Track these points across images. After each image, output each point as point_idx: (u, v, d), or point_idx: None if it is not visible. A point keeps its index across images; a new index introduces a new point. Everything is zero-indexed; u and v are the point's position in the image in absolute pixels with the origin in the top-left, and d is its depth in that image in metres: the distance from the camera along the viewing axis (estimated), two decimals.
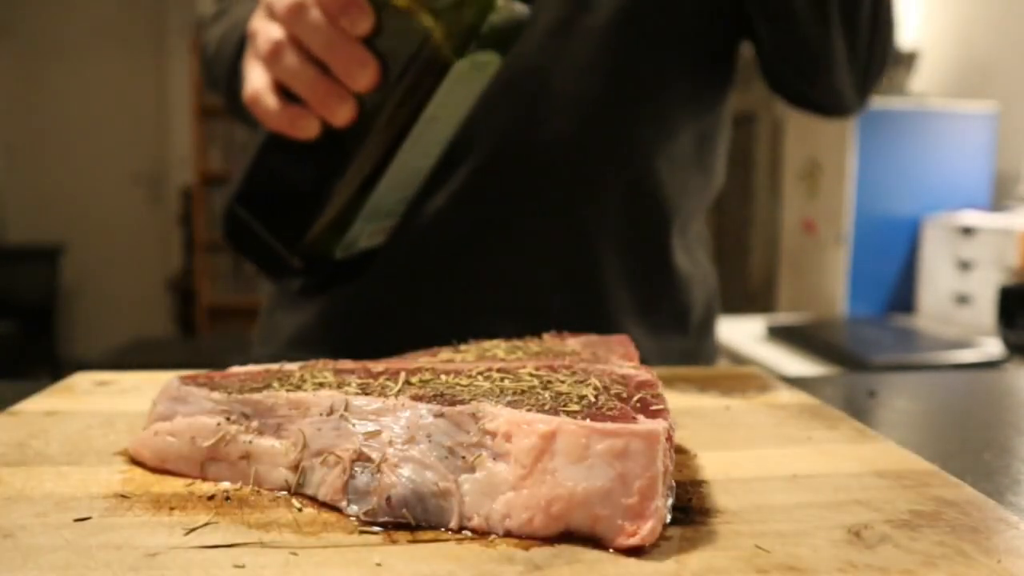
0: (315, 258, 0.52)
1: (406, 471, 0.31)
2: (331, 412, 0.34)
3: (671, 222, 0.72)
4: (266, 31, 0.48)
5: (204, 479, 0.36)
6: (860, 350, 1.45)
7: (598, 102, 0.67)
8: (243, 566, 0.28)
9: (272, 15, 0.48)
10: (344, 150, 0.49)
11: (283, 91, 0.49)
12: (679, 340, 0.75)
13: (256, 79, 0.49)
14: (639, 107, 0.69)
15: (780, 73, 0.72)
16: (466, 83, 0.48)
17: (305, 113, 0.48)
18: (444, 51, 0.46)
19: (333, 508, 0.33)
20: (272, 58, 0.48)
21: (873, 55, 0.68)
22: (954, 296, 1.71)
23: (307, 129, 0.48)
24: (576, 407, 0.32)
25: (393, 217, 0.54)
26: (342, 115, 0.47)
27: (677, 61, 0.70)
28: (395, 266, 0.67)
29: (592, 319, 0.67)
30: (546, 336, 0.49)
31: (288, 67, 0.47)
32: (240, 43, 0.64)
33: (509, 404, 0.32)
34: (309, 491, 0.34)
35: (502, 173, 0.66)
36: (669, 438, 0.32)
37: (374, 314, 0.69)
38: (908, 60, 1.95)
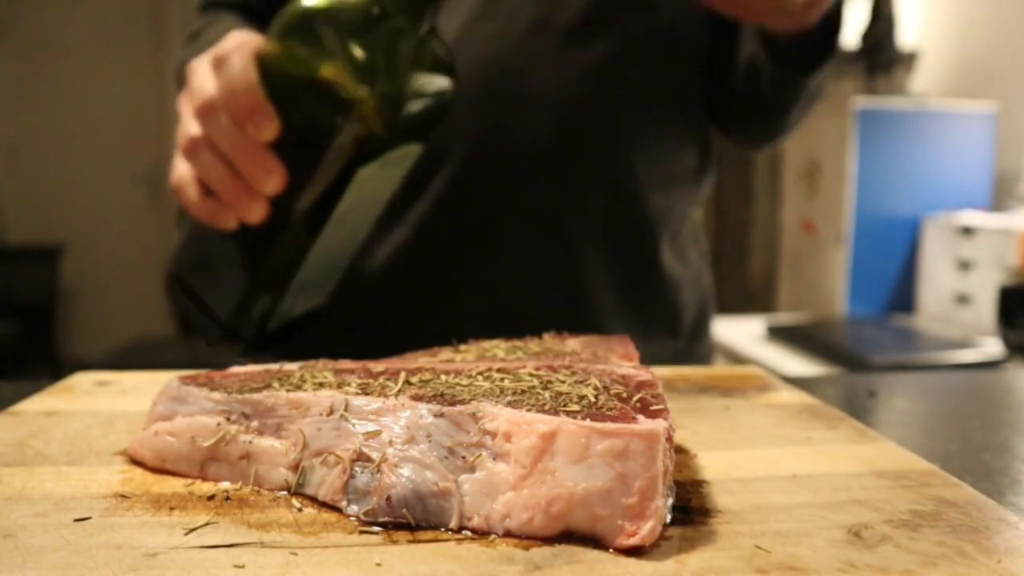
0: (248, 328, 0.53)
1: (406, 471, 0.31)
2: (331, 412, 0.34)
3: (656, 223, 0.71)
4: (186, 123, 0.49)
5: (204, 479, 0.36)
6: (860, 350, 1.44)
7: (576, 102, 0.66)
8: (243, 566, 0.28)
9: (190, 105, 0.49)
10: (267, 234, 0.50)
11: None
12: (670, 342, 0.74)
13: (179, 167, 0.50)
14: (618, 107, 0.68)
15: (725, 124, 0.78)
16: (386, 173, 0.49)
17: (222, 208, 0.49)
18: (364, 144, 0.46)
19: (333, 508, 0.33)
20: (188, 153, 0.49)
21: (805, 116, 0.76)
22: (954, 296, 1.71)
23: (225, 222, 0.49)
24: (576, 407, 0.32)
25: (326, 285, 0.55)
26: (253, 214, 0.48)
27: (655, 59, 0.70)
28: (377, 274, 0.67)
29: (577, 323, 0.67)
30: (546, 336, 0.49)
31: (202, 164, 0.48)
32: None
33: (509, 404, 0.32)
34: (309, 491, 0.34)
35: (482, 177, 0.66)
36: (669, 438, 0.32)
37: (357, 322, 0.68)
38: (908, 60, 1.95)
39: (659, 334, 0.74)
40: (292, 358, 0.69)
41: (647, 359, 0.70)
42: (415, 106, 0.47)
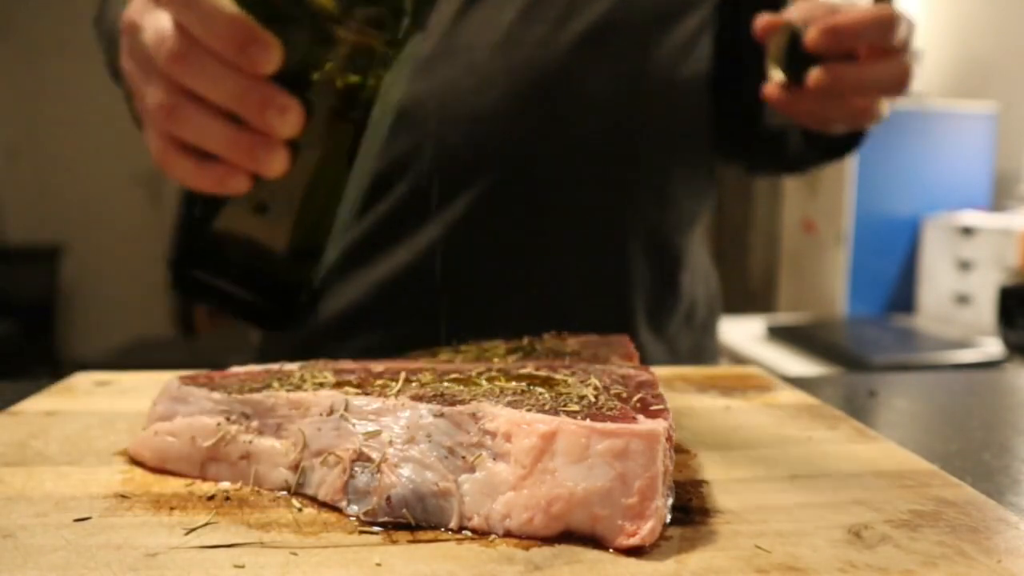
0: (290, 293, 0.46)
1: (406, 471, 0.31)
2: (331, 412, 0.34)
3: (687, 224, 0.73)
4: (149, 90, 0.40)
5: (204, 479, 0.36)
6: (860, 350, 1.44)
7: (623, 105, 0.67)
8: (243, 566, 0.28)
9: (148, 64, 0.40)
10: (286, 182, 0.42)
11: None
12: (686, 336, 0.76)
13: (157, 143, 0.42)
14: (663, 109, 0.70)
15: (736, 157, 0.81)
16: (400, 74, 0.43)
17: (230, 170, 0.41)
18: (376, 54, 0.40)
19: (333, 508, 0.33)
20: (167, 122, 0.40)
21: None
22: (954, 296, 1.71)
23: (237, 186, 0.41)
24: (576, 407, 0.32)
25: (347, 223, 0.48)
26: (275, 166, 0.40)
27: (699, 63, 0.71)
28: (422, 269, 0.66)
29: (615, 321, 0.67)
30: (546, 336, 0.49)
31: (191, 128, 0.40)
32: (108, 44, 0.61)
33: (509, 404, 0.32)
34: (309, 491, 0.34)
35: (529, 176, 0.66)
36: (669, 438, 0.32)
37: (401, 317, 0.68)
38: None
39: (677, 330, 0.76)
40: (306, 353, 0.69)
41: (666, 356, 0.72)
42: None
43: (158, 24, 0.39)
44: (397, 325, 0.68)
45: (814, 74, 0.55)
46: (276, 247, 0.44)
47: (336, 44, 0.39)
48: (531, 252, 0.67)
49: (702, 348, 0.78)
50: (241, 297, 0.46)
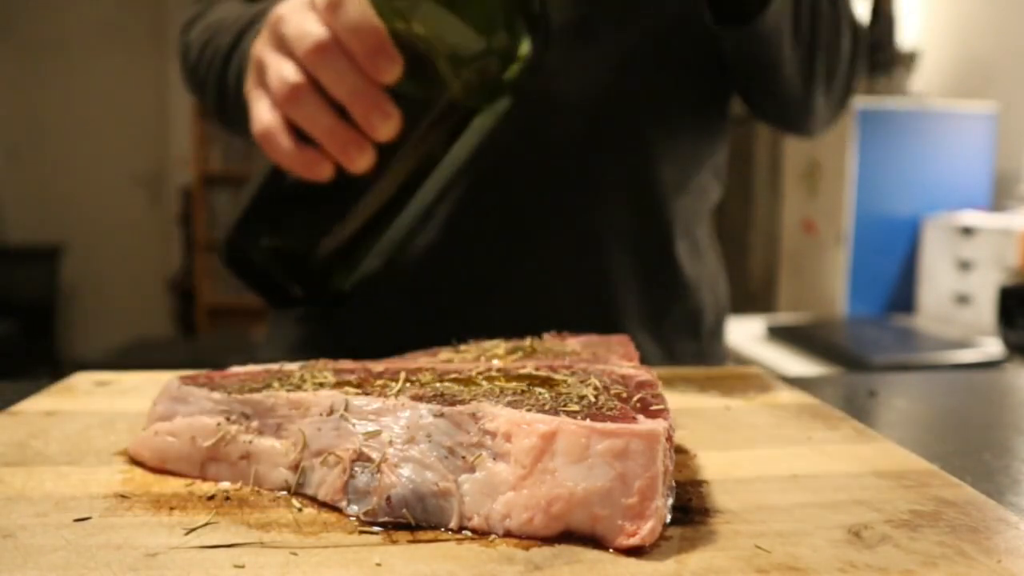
0: (320, 289, 0.52)
1: (406, 471, 0.31)
2: (331, 412, 0.34)
3: (675, 224, 0.72)
4: (279, 68, 0.47)
5: (204, 479, 0.36)
6: (860, 350, 1.44)
7: (605, 102, 0.67)
8: (243, 566, 0.28)
9: (284, 49, 0.47)
10: (356, 188, 0.49)
11: (296, 130, 0.48)
12: (690, 344, 0.75)
13: (266, 116, 0.48)
14: (645, 106, 0.69)
15: (760, 109, 0.75)
16: (482, 125, 0.50)
17: (321, 158, 0.47)
18: (468, 102, 0.47)
19: (333, 508, 0.33)
20: (288, 101, 0.46)
21: (850, 85, 0.73)
22: (954, 296, 1.71)
23: (322, 173, 0.48)
24: (576, 407, 0.32)
25: (395, 245, 0.55)
26: (360, 164, 0.47)
27: (677, 53, 0.70)
28: (406, 274, 0.66)
29: (603, 323, 0.67)
30: (546, 336, 0.49)
31: (306, 111, 0.46)
32: (229, 52, 0.63)
33: (509, 404, 0.32)
34: (309, 491, 0.34)
35: (510, 179, 0.66)
36: (669, 438, 0.32)
37: (382, 321, 0.68)
38: (908, 60, 1.95)
39: (679, 337, 0.74)
40: (301, 349, 0.70)
41: (666, 361, 0.71)
42: (518, 68, 0.48)
43: (304, 21, 0.46)
44: (384, 325, 0.68)
45: None
46: (322, 252, 0.51)
47: (446, 80, 0.47)
48: (513, 253, 0.67)
49: (709, 354, 0.77)
50: (279, 282, 0.52)
